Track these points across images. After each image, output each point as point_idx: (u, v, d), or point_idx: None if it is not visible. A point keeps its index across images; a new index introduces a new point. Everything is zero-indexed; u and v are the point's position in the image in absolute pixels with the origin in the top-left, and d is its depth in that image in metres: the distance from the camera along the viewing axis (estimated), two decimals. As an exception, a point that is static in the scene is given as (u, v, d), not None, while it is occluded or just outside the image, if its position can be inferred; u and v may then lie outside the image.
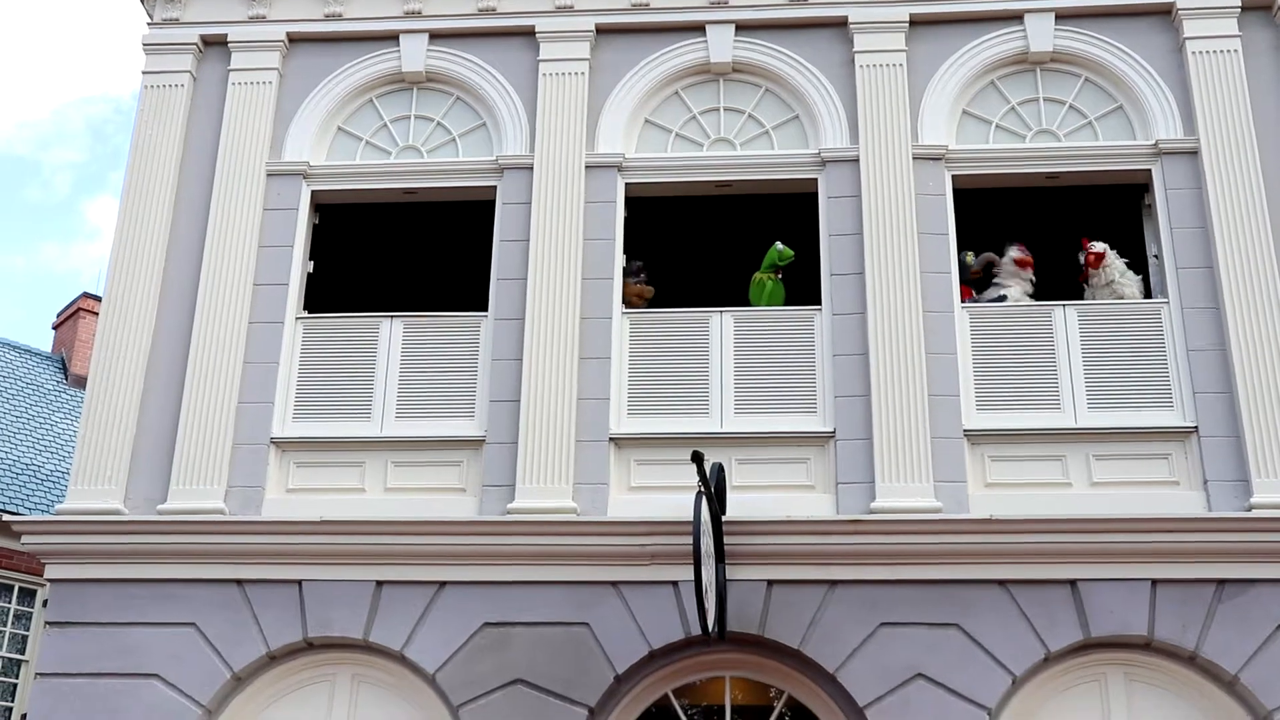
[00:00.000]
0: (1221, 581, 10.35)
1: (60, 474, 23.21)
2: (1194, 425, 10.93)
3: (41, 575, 11.46)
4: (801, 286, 12.72)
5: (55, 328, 28.94)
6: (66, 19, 62.50)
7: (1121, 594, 10.36)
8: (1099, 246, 12.04)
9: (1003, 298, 11.95)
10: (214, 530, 11.10)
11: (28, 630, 21.37)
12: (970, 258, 12.39)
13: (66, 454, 23.89)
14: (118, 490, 11.45)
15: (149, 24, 13.15)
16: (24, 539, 11.36)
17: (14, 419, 24.38)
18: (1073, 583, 10.45)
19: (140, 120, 12.76)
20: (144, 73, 12.94)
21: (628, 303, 12.19)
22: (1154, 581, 10.38)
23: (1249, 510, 10.51)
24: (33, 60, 61.65)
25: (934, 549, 10.54)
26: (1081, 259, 12.13)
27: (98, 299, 26.75)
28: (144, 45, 13.01)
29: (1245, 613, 10.25)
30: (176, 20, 13.06)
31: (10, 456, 23.09)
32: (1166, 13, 12.25)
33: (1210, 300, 11.24)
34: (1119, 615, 10.31)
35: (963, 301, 11.71)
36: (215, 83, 12.91)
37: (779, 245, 12.33)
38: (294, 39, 12.96)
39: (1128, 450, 10.96)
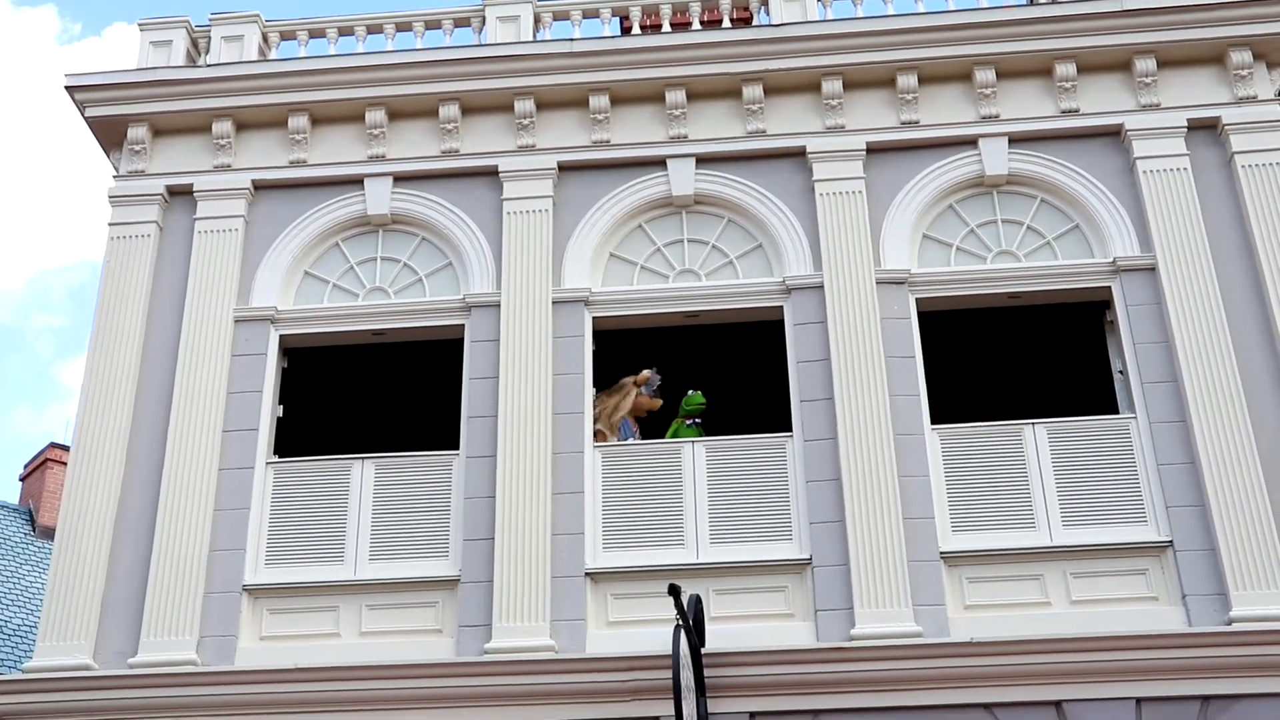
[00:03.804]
0: (1206, 698, 10.27)
1: (28, 629, 22.78)
2: (1169, 540, 10.95)
3: (9, 735, 11.20)
4: (772, 413, 12.76)
5: (22, 479, 28.64)
6: (40, 190, 63.41)
7: (1107, 714, 10.26)
8: None
9: None
10: (187, 683, 10.92)
11: (-6, 792, 20.82)
12: None
13: (34, 608, 23.47)
14: (87, 645, 11.27)
15: (115, 176, 13.27)
16: (-9, 699, 11.13)
17: (-20, 573, 24.00)
18: (1058, 704, 10.35)
19: (107, 271, 12.80)
20: (110, 224, 13.02)
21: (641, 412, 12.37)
22: (1138, 700, 10.30)
23: (1229, 624, 10.48)
24: (9, 231, 62.42)
25: (917, 674, 10.45)
26: None
27: (65, 449, 26.52)
28: (110, 197, 13.11)
29: (1233, 729, 10.18)
30: (142, 172, 13.18)
31: (-24, 612, 22.68)
32: (1116, 134, 12.52)
33: (1177, 414, 11.33)
34: (1106, 736, 10.22)
35: None
36: (181, 232, 12.99)
37: (690, 393, 12.54)
38: (259, 186, 13.08)
39: (1105, 567, 10.96)
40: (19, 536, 26.10)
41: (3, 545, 25.40)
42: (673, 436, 12.32)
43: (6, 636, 22.47)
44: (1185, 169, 12.24)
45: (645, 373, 12.61)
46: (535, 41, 13.32)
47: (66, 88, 13.25)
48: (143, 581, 11.51)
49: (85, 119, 13.31)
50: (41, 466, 28.05)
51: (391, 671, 10.82)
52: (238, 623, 11.34)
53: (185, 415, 12.05)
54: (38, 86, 60.41)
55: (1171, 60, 12.63)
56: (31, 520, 27.02)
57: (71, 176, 61.60)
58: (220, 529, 11.64)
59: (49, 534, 25.56)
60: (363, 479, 11.86)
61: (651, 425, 12.89)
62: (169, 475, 11.83)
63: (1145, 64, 12.54)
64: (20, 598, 23.97)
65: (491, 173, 12.90)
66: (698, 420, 12.41)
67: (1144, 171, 12.26)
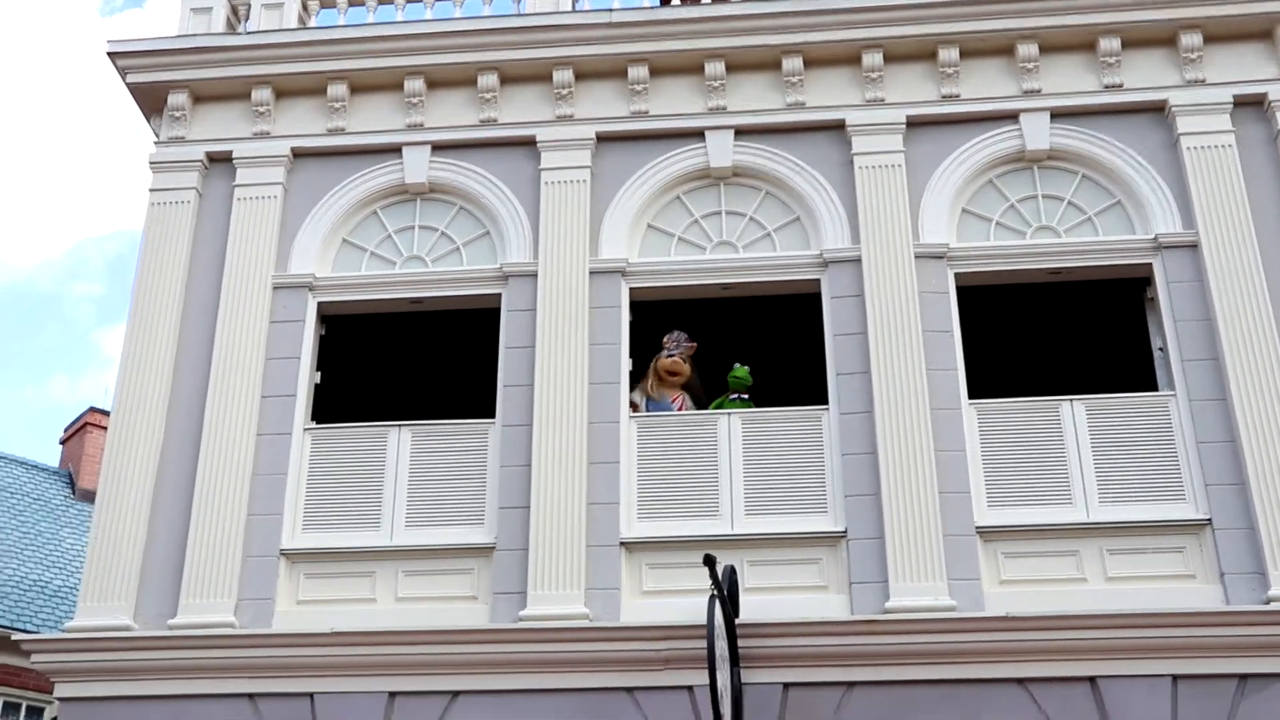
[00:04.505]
0: (1244, 676, 10.22)
1: (68, 590, 23.09)
2: (1207, 518, 10.88)
3: (49, 692, 11.37)
4: (808, 386, 12.74)
5: (63, 442, 28.94)
6: (80, 159, 64.07)
7: (1142, 691, 10.23)
8: None
9: None
10: (225, 645, 11.03)
11: (34, 749, 21.15)
12: None
13: (74, 569, 23.78)
14: (127, 606, 11.39)
15: (155, 142, 13.34)
16: (33, 658, 11.30)
17: (21, 535, 24.31)
18: (1092, 680, 10.33)
19: (147, 236, 12.89)
20: (150, 190, 13.09)
21: (662, 375, 12.27)
22: (1175, 677, 10.26)
23: (1267, 603, 10.42)
24: (50, 201, 63.23)
25: (951, 648, 10.45)
26: None
27: (105, 413, 26.81)
28: (150, 163, 13.19)
29: (1270, 708, 10.10)
30: (182, 138, 13.24)
31: (18, 573, 22.99)
32: (1160, 109, 12.40)
33: (1218, 392, 11.25)
34: (1141, 713, 10.17)
35: None
36: (221, 198, 13.06)
37: (736, 366, 12.45)
38: (298, 154, 13.13)
39: (1142, 544, 10.91)
40: (59, 499, 26.41)
41: (44, 508, 25.70)
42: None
43: (48, 597, 22.76)
44: (1230, 145, 12.11)
45: (668, 337, 12.50)
46: (574, 11, 13.30)
47: (109, 54, 13.31)
48: (182, 544, 11.62)
49: (127, 85, 13.38)
50: (81, 430, 28.37)
51: (426, 637, 10.90)
52: (275, 586, 11.43)
53: (224, 381, 12.14)
54: (81, 59, 60.93)
55: (1218, 35, 12.48)
56: (72, 483, 27.33)
57: (111, 151, 62.19)
58: (258, 494, 11.73)
59: (89, 497, 25.90)
60: (399, 446, 11.92)
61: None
62: (207, 440, 11.92)
63: (1191, 39, 12.40)
64: (61, 559, 24.27)
65: (529, 142, 12.90)
66: (743, 395, 12.35)
67: (1188, 148, 12.14)
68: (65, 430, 28.82)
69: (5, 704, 21.33)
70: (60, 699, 11.16)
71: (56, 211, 64.67)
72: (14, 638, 11.84)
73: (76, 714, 11.00)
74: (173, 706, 10.92)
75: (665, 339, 12.47)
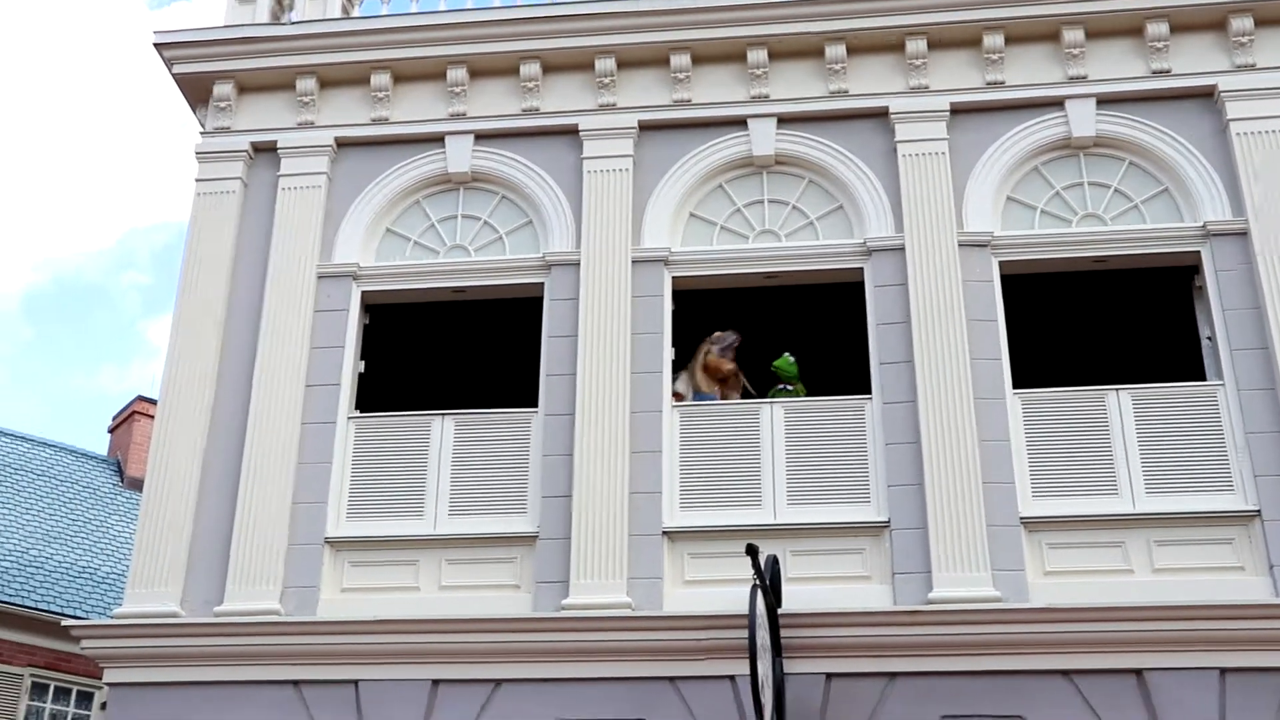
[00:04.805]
0: (1292, 670, 10.11)
1: (116, 576, 23.34)
2: (1256, 509, 10.75)
3: (98, 678, 11.51)
4: (851, 375, 12.69)
5: (111, 431, 29.23)
6: (128, 151, 64.75)
7: (1189, 684, 10.12)
8: None
9: None
10: (270, 632, 11.12)
11: (84, 734, 21.40)
12: None
13: (122, 556, 24.03)
14: (174, 593, 11.50)
15: (201, 133, 13.44)
16: (82, 643, 11.43)
17: (70, 522, 24.59)
18: (1138, 672, 10.23)
19: (193, 226, 12.98)
20: (196, 180, 13.19)
21: (706, 370, 12.25)
22: (1222, 670, 10.14)
23: (1317, 595, 10.31)
24: (99, 192, 63.99)
25: (994, 639, 10.38)
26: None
27: (152, 402, 27.06)
28: (196, 154, 13.28)
29: (1319, 702, 10.01)
30: (228, 129, 13.32)
31: (67, 560, 23.26)
32: (1209, 95, 12.24)
33: (1267, 382, 11.10)
34: (1188, 706, 10.06)
35: None
36: (265, 188, 13.13)
37: (786, 355, 12.39)
38: (342, 143, 13.18)
39: (1189, 535, 10.79)
40: (108, 487, 26.68)
41: (92, 496, 25.97)
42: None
43: (97, 584, 23.01)
44: (1280, 131, 11.95)
45: (718, 334, 12.51)
46: (617, -1, 13.27)
47: (155, 45, 13.40)
48: (228, 532, 11.71)
49: (173, 76, 13.48)
50: (129, 419, 28.64)
51: (469, 625, 10.94)
52: (320, 574, 11.51)
53: (269, 370, 12.21)
54: (130, 51, 61.53)
55: (1269, 19, 12.28)
56: (120, 471, 27.60)
57: (158, 142, 62.79)
58: (303, 482, 11.81)
59: (137, 485, 26.15)
60: (443, 435, 11.96)
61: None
62: (253, 429, 12.00)
63: (1241, 22, 12.22)
64: (109, 546, 24.53)
65: (572, 131, 12.89)
66: (788, 386, 12.31)
67: (1237, 134, 11.97)
68: (113, 419, 29.11)
69: (55, 688, 21.61)
70: (109, 684, 11.30)
71: (105, 203, 65.41)
72: (64, 623, 11.97)
73: (125, 699, 11.13)
74: (219, 692, 11.03)
75: (715, 335, 12.43)
